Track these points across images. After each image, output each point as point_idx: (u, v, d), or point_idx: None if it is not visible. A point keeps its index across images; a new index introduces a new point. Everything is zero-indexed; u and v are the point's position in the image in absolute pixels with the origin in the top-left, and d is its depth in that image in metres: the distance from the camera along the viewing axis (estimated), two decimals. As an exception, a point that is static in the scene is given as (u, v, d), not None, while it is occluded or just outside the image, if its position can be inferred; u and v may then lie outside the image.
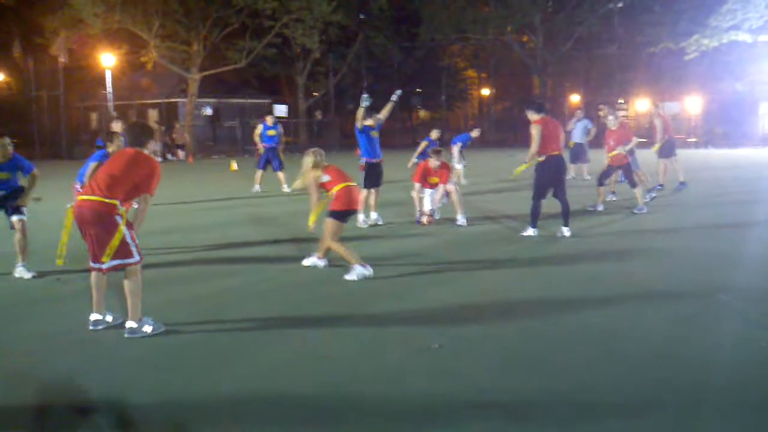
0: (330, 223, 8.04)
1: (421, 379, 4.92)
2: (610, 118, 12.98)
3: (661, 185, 15.35)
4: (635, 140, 12.98)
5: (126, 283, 5.89)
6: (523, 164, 11.04)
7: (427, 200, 11.90)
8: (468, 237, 10.63)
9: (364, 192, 11.53)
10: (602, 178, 12.99)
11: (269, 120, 17.80)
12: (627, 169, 12.80)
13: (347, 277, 7.79)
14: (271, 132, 17.56)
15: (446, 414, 4.33)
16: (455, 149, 18.40)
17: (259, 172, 17.62)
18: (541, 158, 9.98)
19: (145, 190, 6.00)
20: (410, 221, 11.98)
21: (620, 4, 43.32)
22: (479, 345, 5.60)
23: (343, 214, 8.09)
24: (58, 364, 5.36)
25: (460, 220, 11.60)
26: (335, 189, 8.05)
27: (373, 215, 11.79)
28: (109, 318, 6.16)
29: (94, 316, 6.11)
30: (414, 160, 15.52)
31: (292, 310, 6.69)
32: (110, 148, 8.61)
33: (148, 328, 5.90)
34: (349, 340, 5.78)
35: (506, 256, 9.11)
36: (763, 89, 38.40)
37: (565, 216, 10.23)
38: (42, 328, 6.25)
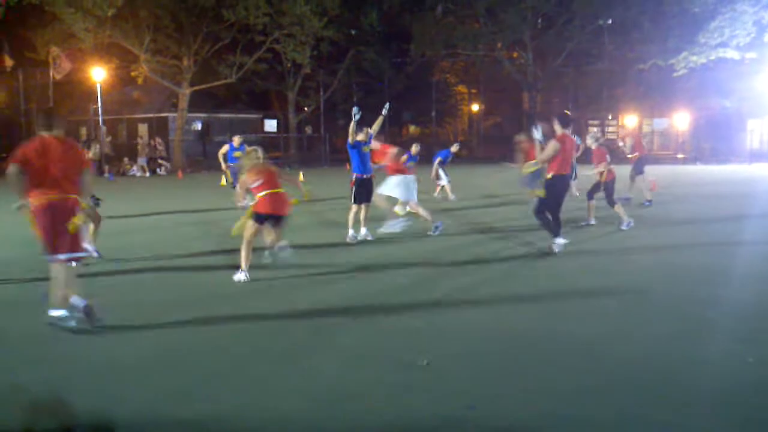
0: (248, 224, 8.59)
1: (412, 395, 4.90)
2: (589, 140, 13.53)
3: (648, 201, 16.05)
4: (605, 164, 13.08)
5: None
6: (531, 166, 11.72)
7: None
8: (455, 248, 10.63)
9: (354, 207, 11.57)
10: (591, 193, 13.17)
11: (236, 141, 17.60)
12: (610, 186, 12.91)
13: (234, 277, 8.52)
14: (237, 153, 17.33)
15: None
16: (435, 164, 18.57)
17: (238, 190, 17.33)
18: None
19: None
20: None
21: (610, 21, 43.62)
22: (466, 360, 5.60)
23: (263, 217, 8.61)
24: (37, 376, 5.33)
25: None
26: (259, 195, 8.62)
27: (363, 231, 11.74)
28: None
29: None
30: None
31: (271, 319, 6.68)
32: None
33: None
34: (333, 355, 5.77)
35: (498, 272, 9.12)
36: (750, 106, 38.68)
37: (552, 228, 10.26)
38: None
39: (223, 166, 17.73)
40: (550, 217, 10.16)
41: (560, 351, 5.79)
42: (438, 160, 18.68)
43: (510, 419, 4.48)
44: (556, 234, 10.18)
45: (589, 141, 13.53)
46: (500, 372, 5.33)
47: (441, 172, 18.65)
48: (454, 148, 19.39)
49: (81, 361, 5.73)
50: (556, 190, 10.09)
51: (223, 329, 6.59)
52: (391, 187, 12.30)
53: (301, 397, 4.90)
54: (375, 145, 11.88)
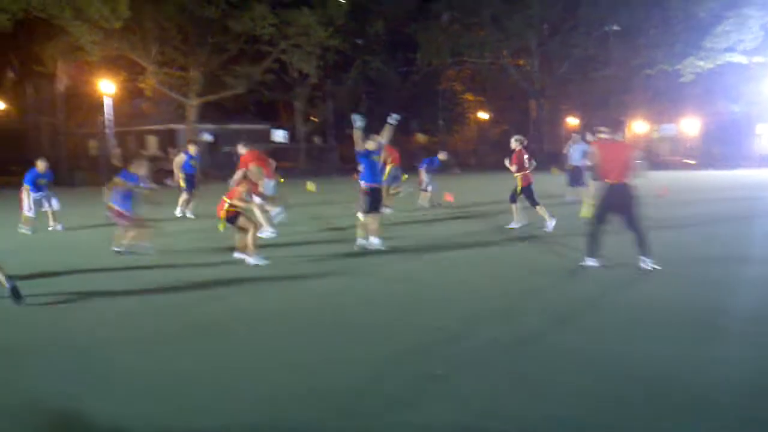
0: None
1: (430, 406, 4.86)
2: (513, 142, 13.72)
3: None
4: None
5: None
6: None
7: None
8: (454, 262, 10.59)
9: (364, 217, 11.46)
10: (513, 196, 13.62)
11: (192, 150, 17.42)
12: (526, 191, 13.36)
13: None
14: (194, 162, 17.26)
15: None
16: (422, 173, 18.49)
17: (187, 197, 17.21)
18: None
19: None
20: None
21: (616, 27, 43.59)
22: (482, 368, 5.55)
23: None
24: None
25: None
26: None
27: (375, 241, 11.49)
28: None
29: None
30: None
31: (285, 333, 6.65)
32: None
33: None
34: (346, 365, 5.73)
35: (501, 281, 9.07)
36: (759, 110, 38.57)
37: (641, 246, 9.10)
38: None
39: (177, 175, 17.31)
40: (593, 230, 9.37)
41: (568, 359, 5.74)
42: (424, 167, 18.67)
43: (519, 424, 4.44)
44: (587, 253, 9.42)
45: (513, 143, 13.70)
46: (517, 381, 5.29)
47: (426, 180, 18.60)
48: (442, 156, 19.32)
49: (103, 373, 5.71)
50: (602, 197, 9.28)
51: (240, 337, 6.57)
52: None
53: (315, 407, 4.87)
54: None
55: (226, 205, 10.35)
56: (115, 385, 5.35)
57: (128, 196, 11.28)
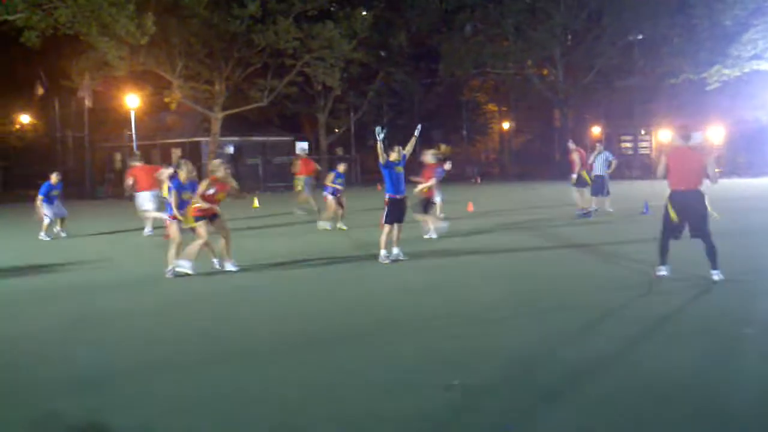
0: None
1: (448, 417, 4.85)
2: (428, 156, 14.71)
3: (589, 212, 17.93)
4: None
5: None
6: None
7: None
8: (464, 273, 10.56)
9: (386, 228, 11.54)
10: (423, 207, 14.42)
11: (54, 179, 17.44)
12: (425, 201, 14.37)
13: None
14: (55, 192, 17.33)
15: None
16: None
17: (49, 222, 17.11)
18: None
19: None
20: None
21: (640, 36, 43.40)
22: (498, 381, 5.53)
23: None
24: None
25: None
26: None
27: (395, 250, 11.66)
28: None
29: None
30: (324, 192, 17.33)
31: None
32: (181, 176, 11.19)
33: None
34: (361, 378, 5.72)
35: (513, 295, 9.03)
36: (786, 118, 38.13)
37: (710, 257, 8.85)
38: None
39: (41, 212, 16.77)
40: (663, 237, 9.19)
41: (591, 369, 5.69)
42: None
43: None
44: (659, 261, 9.24)
45: (428, 157, 14.55)
46: (535, 390, 5.26)
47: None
48: (447, 166, 19.32)
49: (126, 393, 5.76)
50: (669, 206, 9.07)
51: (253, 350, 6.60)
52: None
53: (334, 422, 4.88)
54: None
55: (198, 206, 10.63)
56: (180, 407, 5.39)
57: (184, 204, 11.05)
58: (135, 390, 5.61)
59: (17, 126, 48.00)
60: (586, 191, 18.43)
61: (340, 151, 50.96)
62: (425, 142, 51.95)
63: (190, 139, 44.89)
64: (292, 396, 5.38)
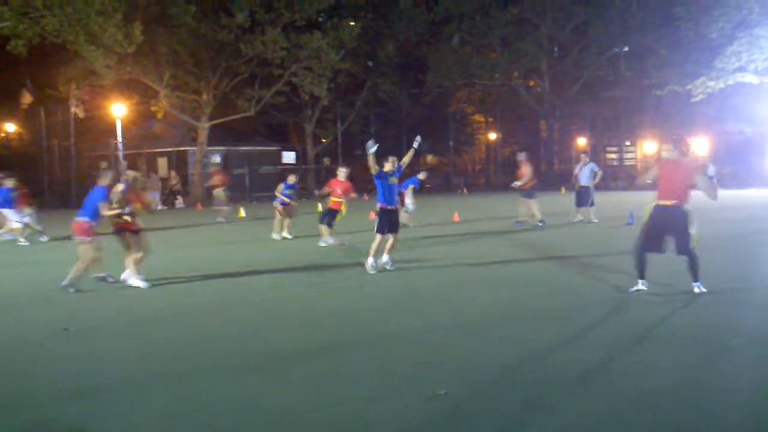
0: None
1: (434, 427, 4.84)
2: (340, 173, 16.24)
3: (542, 221, 18.04)
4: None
5: None
6: None
7: None
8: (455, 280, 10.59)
9: (378, 237, 11.63)
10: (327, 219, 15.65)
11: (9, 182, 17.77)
12: (332, 213, 15.57)
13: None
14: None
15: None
16: (407, 194, 18.46)
17: None
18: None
19: None
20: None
21: (626, 48, 43.74)
22: (486, 390, 5.54)
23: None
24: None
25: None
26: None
27: (384, 258, 11.76)
28: None
29: None
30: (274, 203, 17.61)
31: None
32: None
33: None
34: (347, 388, 5.71)
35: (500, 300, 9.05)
36: (770, 130, 38.46)
37: (692, 270, 8.84)
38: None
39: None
40: (639, 251, 9.03)
41: (578, 381, 5.71)
42: (410, 187, 18.71)
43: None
44: (637, 274, 9.06)
45: (341, 175, 16.00)
46: (525, 402, 5.27)
47: (408, 200, 18.64)
48: (421, 176, 19.56)
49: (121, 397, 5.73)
50: (649, 219, 8.95)
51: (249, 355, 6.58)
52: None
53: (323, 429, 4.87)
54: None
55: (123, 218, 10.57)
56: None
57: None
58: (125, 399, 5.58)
59: (2, 135, 47.65)
60: (532, 202, 18.41)
61: (327, 161, 50.93)
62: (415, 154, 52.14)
63: (176, 149, 44.69)
64: (277, 406, 5.37)
